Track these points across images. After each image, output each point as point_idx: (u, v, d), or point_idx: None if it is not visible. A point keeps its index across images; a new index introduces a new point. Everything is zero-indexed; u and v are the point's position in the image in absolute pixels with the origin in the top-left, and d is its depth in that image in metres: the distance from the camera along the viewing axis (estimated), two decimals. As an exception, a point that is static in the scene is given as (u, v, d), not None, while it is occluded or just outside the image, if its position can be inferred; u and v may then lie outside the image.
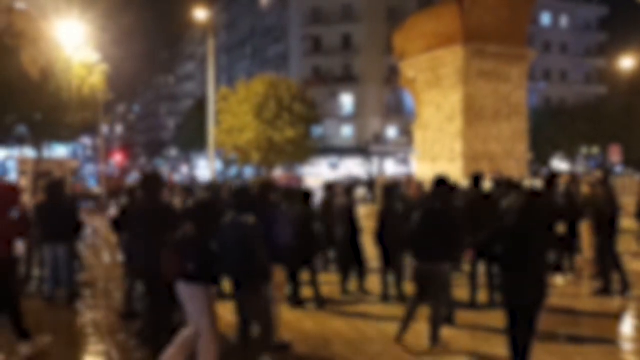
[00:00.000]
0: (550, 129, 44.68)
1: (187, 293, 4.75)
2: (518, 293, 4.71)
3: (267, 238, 5.10)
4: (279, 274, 5.84)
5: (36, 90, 21.80)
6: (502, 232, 4.85)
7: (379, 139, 50.09)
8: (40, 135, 23.95)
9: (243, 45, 62.64)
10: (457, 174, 22.00)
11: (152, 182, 5.69)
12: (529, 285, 4.69)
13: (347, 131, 50.76)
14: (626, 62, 38.22)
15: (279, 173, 38.29)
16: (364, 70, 49.12)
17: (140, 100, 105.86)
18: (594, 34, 61.57)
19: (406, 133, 44.75)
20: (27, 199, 9.97)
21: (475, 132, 23.54)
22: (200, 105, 46.93)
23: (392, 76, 45.21)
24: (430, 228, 5.75)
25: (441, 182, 5.96)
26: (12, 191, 5.91)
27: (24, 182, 11.09)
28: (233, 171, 49.14)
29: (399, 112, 49.05)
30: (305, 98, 32.84)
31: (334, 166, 49.63)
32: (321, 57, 50.26)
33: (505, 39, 24.00)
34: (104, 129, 70.47)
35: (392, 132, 50.80)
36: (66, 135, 25.93)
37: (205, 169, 45.42)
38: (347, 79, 49.69)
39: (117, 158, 53.50)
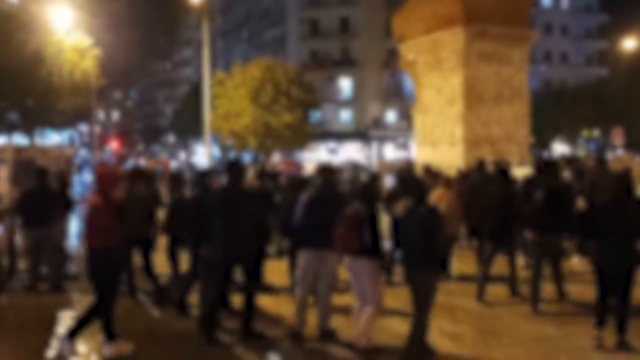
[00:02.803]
0: (550, 112, 44.17)
1: (363, 266, 5.26)
2: (610, 261, 5.42)
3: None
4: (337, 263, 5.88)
5: (27, 75, 21.34)
6: (598, 208, 5.63)
7: (378, 123, 49.56)
8: (32, 121, 23.53)
9: (239, 30, 61.78)
10: (458, 158, 21.58)
11: (235, 168, 5.83)
12: (620, 253, 5.38)
13: (345, 116, 50.21)
14: (628, 44, 37.61)
15: (277, 159, 37.85)
16: (362, 53, 48.41)
17: (137, 86, 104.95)
18: (595, 15, 60.73)
19: (405, 117, 44.21)
20: (6, 189, 9.55)
21: (476, 116, 23.06)
22: (196, 91, 46.31)
23: (391, 59, 44.55)
24: (553, 204, 6.59)
25: (550, 164, 7.22)
26: (116, 175, 5.51)
27: (3, 171, 10.66)
28: (231, 157, 48.67)
29: (398, 96, 48.44)
30: (302, 82, 32.27)
31: (332, 151, 49.17)
32: (319, 41, 49.52)
33: (507, 20, 23.40)
34: (100, 115, 69.65)
35: (391, 116, 50.26)
36: (59, 121, 25.51)
37: (203, 155, 45.01)
38: (346, 63, 49.00)
39: (113, 145, 52.93)
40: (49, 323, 6.42)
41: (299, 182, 7.54)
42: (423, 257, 5.05)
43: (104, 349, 5.39)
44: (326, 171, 5.94)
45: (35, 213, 7.46)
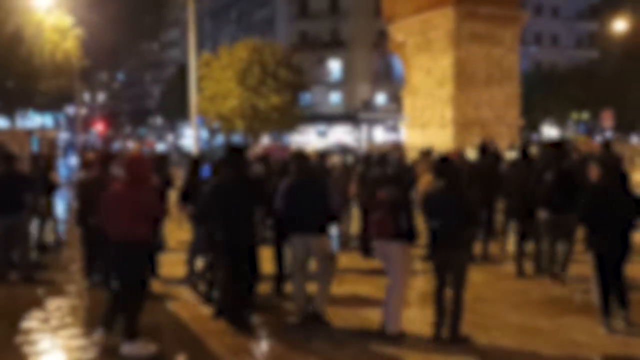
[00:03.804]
0: (540, 94, 43.95)
1: (397, 249, 5.31)
2: (603, 245, 5.52)
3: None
4: (331, 245, 5.78)
5: (6, 56, 20.71)
6: (592, 193, 5.66)
7: (368, 105, 49.12)
8: (13, 103, 22.92)
9: (228, 10, 60.73)
10: (448, 140, 21.32)
11: (237, 155, 5.56)
12: (613, 238, 5.47)
13: (335, 98, 49.68)
14: (618, 25, 37.32)
15: (266, 142, 37.43)
16: (352, 34, 47.74)
17: (124, 67, 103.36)
18: (586, -4, 60.34)
19: (396, 99, 43.76)
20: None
21: (466, 98, 22.77)
22: (183, 72, 45.53)
23: (381, 41, 44.00)
24: (564, 185, 6.84)
25: (559, 145, 7.52)
26: (148, 163, 5.23)
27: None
28: (219, 140, 48.10)
29: (388, 78, 47.92)
30: (290, 63, 31.69)
31: (322, 134, 48.77)
32: (308, 22, 48.74)
33: (498, 1, 23.04)
34: (86, 97, 68.38)
35: (381, 98, 49.82)
36: (41, 103, 24.89)
37: (191, 137, 44.41)
38: (335, 44, 48.34)
39: (99, 127, 51.95)
40: (19, 314, 6.09)
41: (282, 167, 7.26)
42: (458, 237, 5.18)
43: (123, 347, 4.98)
44: (299, 158, 5.86)
45: (3, 199, 7.09)
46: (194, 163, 7.39)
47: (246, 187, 5.59)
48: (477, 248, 8.51)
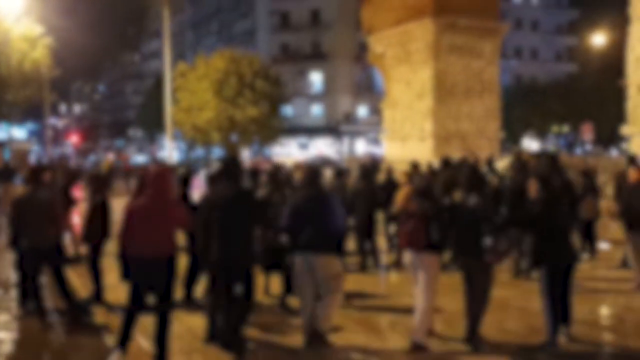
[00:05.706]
0: (521, 108, 44.11)
1: (427, 260, 5.38)
2: (552, 257, 5.43)
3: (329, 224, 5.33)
4: (337, 264, 5.49)
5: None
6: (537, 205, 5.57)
7: (350, 118, 48.88)
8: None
9: (209, 21, 60.34)
10: (428, 153, 20.96)
11: (233, 168, 5.32)
12: (560, 249, 5.42)
13: (316, 110, 49.38)
14: (597, 39, 37.62)
15: (246, 154, 36.84)
16: (333, 46, 47.58)
17: (105, 78, 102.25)
18: (565, 10, 61.08)
19: (377, 112, 43.48)
20: None
21: (446, 110, 22.48)
22: (160, 84, 44.87)
23: (362, 53, 43.87)
24: (568, 196, 6.90)
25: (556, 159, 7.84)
26: (171, 174, 4.99)
27: None
28: (199, 152, 47.35)
29: (369, 91, 47.80)
30: (268, 75, 31.20)
31: (303, 146, 48.38)
32: (289, 34, 48.49)
33: (477, 13, 22.87)
34: (62, 108, 67.27)
35: (362, 111, 49.63)
36: (7, 114, 24.08)
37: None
38: (317, 56, 48.12)
39: (74, 139, 50.82)
40: None
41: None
42: (477, 245, 5.27)
43: None
44: (310, 173, 5.57)
45: None
46: (140, 178, 6.78)
47: (245, 202, 5.24)
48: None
